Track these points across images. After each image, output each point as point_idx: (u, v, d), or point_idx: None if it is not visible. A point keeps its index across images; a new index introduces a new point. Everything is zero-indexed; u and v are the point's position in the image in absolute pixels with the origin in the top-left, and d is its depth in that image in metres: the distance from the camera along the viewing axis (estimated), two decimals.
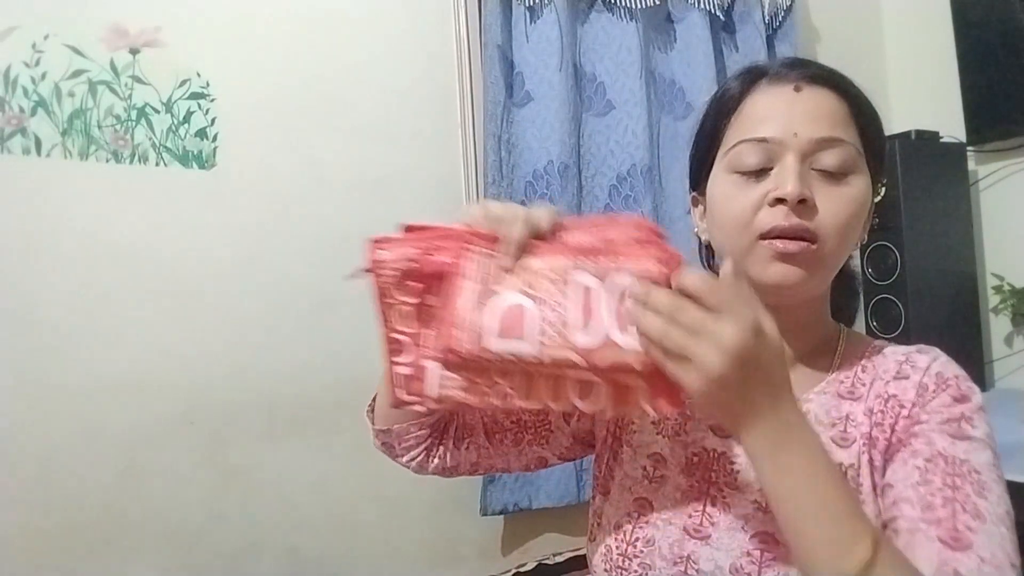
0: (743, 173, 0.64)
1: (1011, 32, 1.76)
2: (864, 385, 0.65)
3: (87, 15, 1.26)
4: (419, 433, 0.73)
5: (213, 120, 1.36)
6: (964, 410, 0.59)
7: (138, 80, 1.30)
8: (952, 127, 1.86)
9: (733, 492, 0.65)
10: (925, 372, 0.62)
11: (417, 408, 0.61)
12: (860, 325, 0.81)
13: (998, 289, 1.85)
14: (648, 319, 0.49)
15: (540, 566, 1.37)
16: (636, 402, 0.54)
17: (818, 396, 0.66)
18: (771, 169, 0.63)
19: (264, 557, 1.36)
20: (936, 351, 0.66)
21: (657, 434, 0.72)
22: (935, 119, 1.86)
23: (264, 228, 1.38)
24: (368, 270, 0.58)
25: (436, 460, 0.76)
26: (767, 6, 1.81)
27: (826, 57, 1.98)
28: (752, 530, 0.62)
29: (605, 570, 0.69)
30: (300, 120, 1.43)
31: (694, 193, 0.74)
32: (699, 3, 1.71)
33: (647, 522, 0.67)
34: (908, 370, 0.63)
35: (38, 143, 1.23)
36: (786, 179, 0.61)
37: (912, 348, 0.66)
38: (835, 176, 0.63)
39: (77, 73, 1.26)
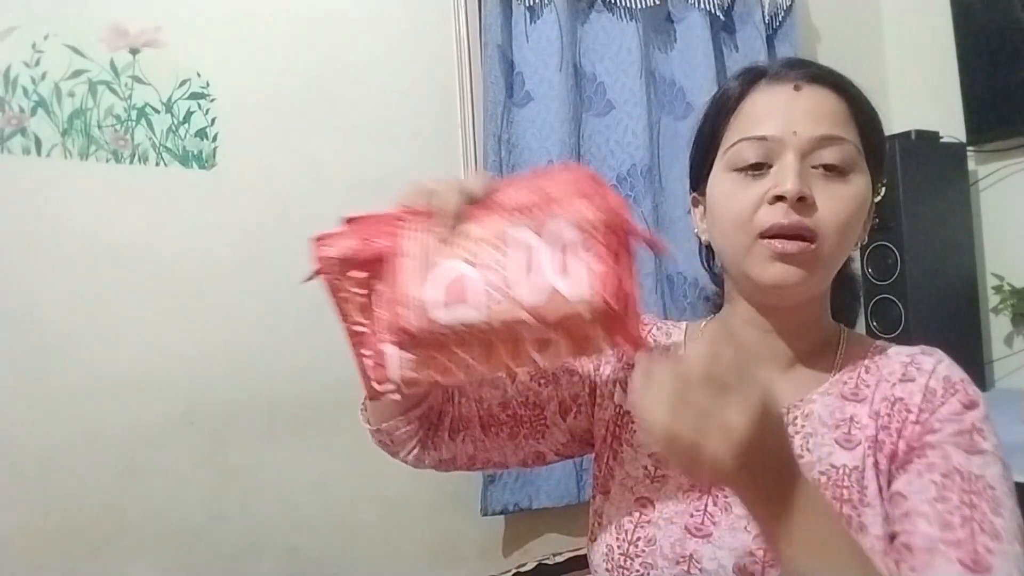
0: (743, 171, 0.64)
1: (1011, 32, 1.76)
2: (868, 387, 0.65)
3: (87, 15, 1.26)
4: (408, 428, 0.73)
5: (213, 120, 1.36)
6: (974, 420, 0.59)
7: (138, 80, 1.30)
8: (952, 127, 1.86)
9: None
10: (931, 375, 0.62)
11: (393, 397, 0.61)
12: (860, 325, 0.81)
13: (998, 289, 1.85)
14: (653, 403, 0.48)
15: (540, 566, 1.37)
16: (597, 346, 0.54)
17: (821, 397, 0.66)
18: (771, 167, 0.63)
19: (264, 557, 1.36)
20: (939, 352, 0.66)
21: None
22: (935, 119, 1.85)
23: (264, 228, 1.38)
24: (318, 271, 0.59)
25: (432, 452, 0.76)
26: (767, 6, 1.81)
27: (826, 57, 1.98)
28: (755, 530, 0.62)
29: (607, 569, 0.69)
30: (300, 120, 1.42)
31: (694, 194, 0.74)
32: (699, 3, 1.71)
33: (649, 521, 0.67)
34: (914, 372, 0.63)
35: (38, 143, 1.23)
36: (785, 177, 0.61)
37: (916, 349, 0.66)
38: (835, 174, 0.63)
39: (77, 73, 1.26)
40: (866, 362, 0.67)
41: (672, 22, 1.75)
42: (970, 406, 0.60)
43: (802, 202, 0.61)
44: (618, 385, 0.76)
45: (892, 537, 0.58)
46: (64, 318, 1.23)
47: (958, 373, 0.63)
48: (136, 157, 1.30)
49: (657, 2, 1.66)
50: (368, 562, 1.43)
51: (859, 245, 0.68)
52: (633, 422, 0.74)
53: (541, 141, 1.55)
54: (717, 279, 0.78)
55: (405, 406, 0.71)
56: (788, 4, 1.85)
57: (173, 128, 1.33)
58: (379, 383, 0.60)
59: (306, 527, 1.39)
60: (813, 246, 0.61)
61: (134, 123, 1.30)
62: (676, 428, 0.47)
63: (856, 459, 0.62)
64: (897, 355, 0.66)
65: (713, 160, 0.69)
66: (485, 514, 1.50)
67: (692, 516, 0.65)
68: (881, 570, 0.54)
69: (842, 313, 0.74)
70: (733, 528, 0.63)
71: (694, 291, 1.67)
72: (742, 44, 1.81)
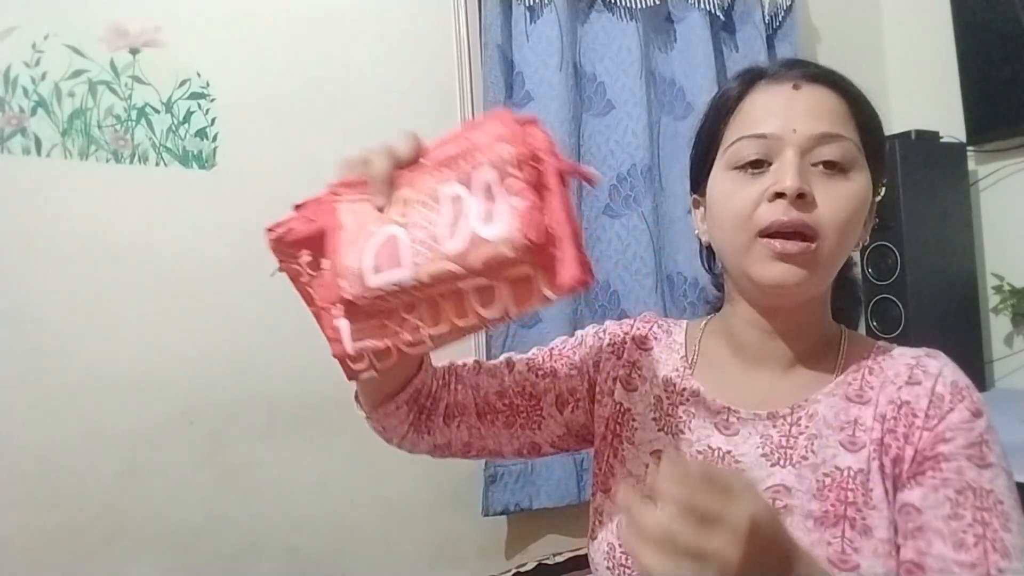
0: (742, 169, 0.64)
1: (1011, 32, 1.76)
2: (872, 388, 0.65)
3: (87, 15, 1.26)
4: (397, 412, 0.73)
5: (213, 120, 1.36)
6: (981, 430, 0.60)
7: (138, 80, 1.30)
8: (952, 127, 1.86)
9: None
10: (937, 379, 0.62)
11: (367, 375, 0.61)
12: (860, 325, 0.81)
13: (998, 289, 1.85)
14: (642, 550, 0.45)
15: (540, 566, 1.37)
16: (538, 293, 0.53)
17: (826, 398, 0.66)
18: (770, 165, 0.63)
19: (264, 557, 1.36)
20: (943, 355, 0.66)
21: (659, 431, 0.72)
22: (935, 119, 1.85)
23: (264, 228, 1.38)
24: (280, 262, 0.60)
25: (426, 437, 0.76)
26: (767, 6, 1.81)
27: (826, 57, 1.98)
28: None
29: (608, 568, 0.69)
30: (300, 120, 1.42)
31: (695, 195, 0.74)
32: (699, 3, 1.71)
33: None
34: (920, 375, 0.63)
35: (38, 143, 1.23)
36: (785, 173, 0.61)
37: (920, 351, 0.66)
38: (835, 171, 0.63)
39: (77, 73, 1.26)
40: (869, 363, 0.67)
41: (672, 22, 1.75)
42: (977, 414, 0.60)
43: (802, 199, 0.61)
44: (618, 382, 0.76)
45: (898, 549, 0.59)
46: (64, 318, 1.23)
47: (963, 378, 0.63)
48: (136, 157, 1.30)
49: (657, 2, 1.66)
50: (368, 562, 1.43)
51: (860, 245, 0.68)
52: (634, 419, 0.74)
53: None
54: (718, 280, 0.78)
55: (391, 390, 0.71)
56: (788, 4, 1.85)
57: (173, 128, 1.33)
58: (347, 361, 0.60)
59: (306, 527, 1.39)
60: (813, 246, 0.61)
61: (134, 123, 1.30)
62: (669, 571, 0.45)
63: (861, 461, 0.62)
64: (901, 356, 0.66)
65: (713, 160, 0.69)
66: (486, 514, 1.50)
67: None
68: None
69: (843, 316, 0.74)
70: None
71: (694, 291, 1.67)
72: (742, 44, 1.81)
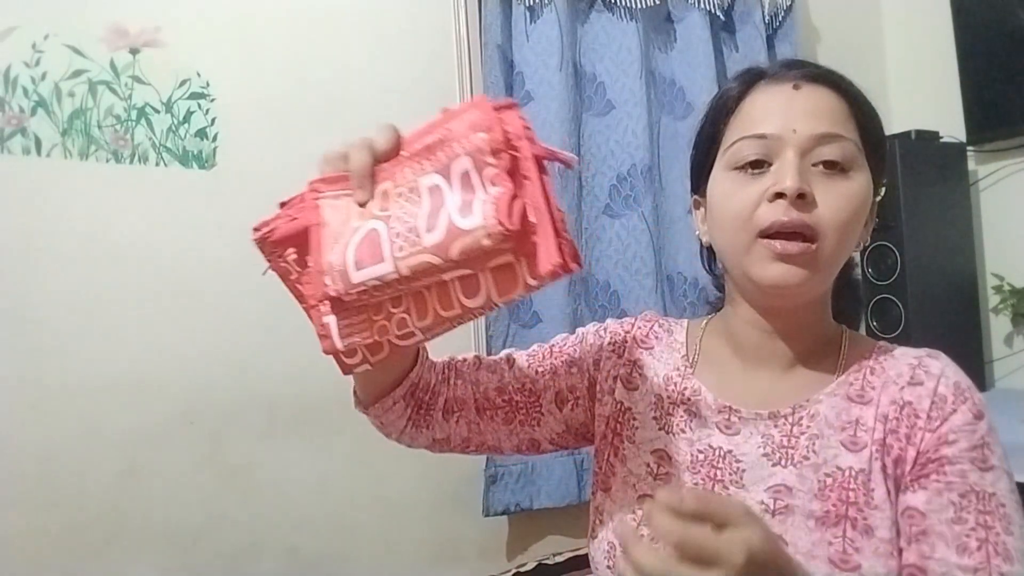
0: (742, 170, 0.64)
1: (1011, 32, 1.76)
2: (874, 389, 0.65)
3: (87, 15, 1.26)
4: (395, 407, 0.73)
5: (213, 120, 1.36)
6: (983, 432, 0.60)
7: (138, 80, 1.30)
8: (952, 127, 1.86)
9: (739, 491, 0.65)
10: (940, 380, 0.62)
11: (361, 369, 0.62)
12: (860, 326, 0.81)
13: (998, 289, 1.85)
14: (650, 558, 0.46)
15: (540, 566, 1.37)
16: (521, 281, 0.53)
17: (828, 398, 0.66)
18: (770, 166, 0.63)
19: (264, 557, 1.36)
20: (945, 356, 0.66)
21: (660, 430, 0.72)
22: (935, 119, 1.85)
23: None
24: (269, 261, 0.60)
25: (425, 431, 0.76)
26: (767, 6, 1.81)
27: (826, 57, 1.98)
28: None
29: (608, 567, 0.69)
30: (300, 120, 1.42)
31: (695, 196, 0.74)
32: (699, 3, 1.71)
33: None
34: (922, 375, 0.63)
35: (38, 143, 1.23)
36: (785, 174, 0.61)
37: (922, 352, 0.66)
38: (835, 171, 0.63)
39: (77, 73, 1.26)
40: (871, 363, 0.67)
41: (672, 22, 1.75)
42: (979, 416, 0.61)
43: (802, 199, 0.61)
44: (618, 381, 0.76)
45: (901, 552, 0.59)
46: (64, 318, 1.23)
47: (965, 379, 0.63)
48: (136, 157, 1.30)
49: (657, 2, 1.66)
50: (368, 562, 1.43)
51: (861, 246, 0.68)
52: (635, 418, 0.74)
53: (541, 141, 1.55)
54: (718, 281, 0.78)
55: (387, 385, 0.71)
56: (788, 4, 1.85)
57: (173, 128, 1.33)
58: (340, 356, 0.60)
59: (306, 527, 1.39)
60: (814, 247, 0.61)
61: (134, 123, 1.30)
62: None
63: (862, 462, 0.62)
64: (903, 356, 0.66)
65: (713, 161, 0.69)
66: (487, 514, 1.50)
67: None
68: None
69: (845, 317, 0.74)
70: None
71: (694, 291, 1.67)
72: (742, 44, 1.81)
